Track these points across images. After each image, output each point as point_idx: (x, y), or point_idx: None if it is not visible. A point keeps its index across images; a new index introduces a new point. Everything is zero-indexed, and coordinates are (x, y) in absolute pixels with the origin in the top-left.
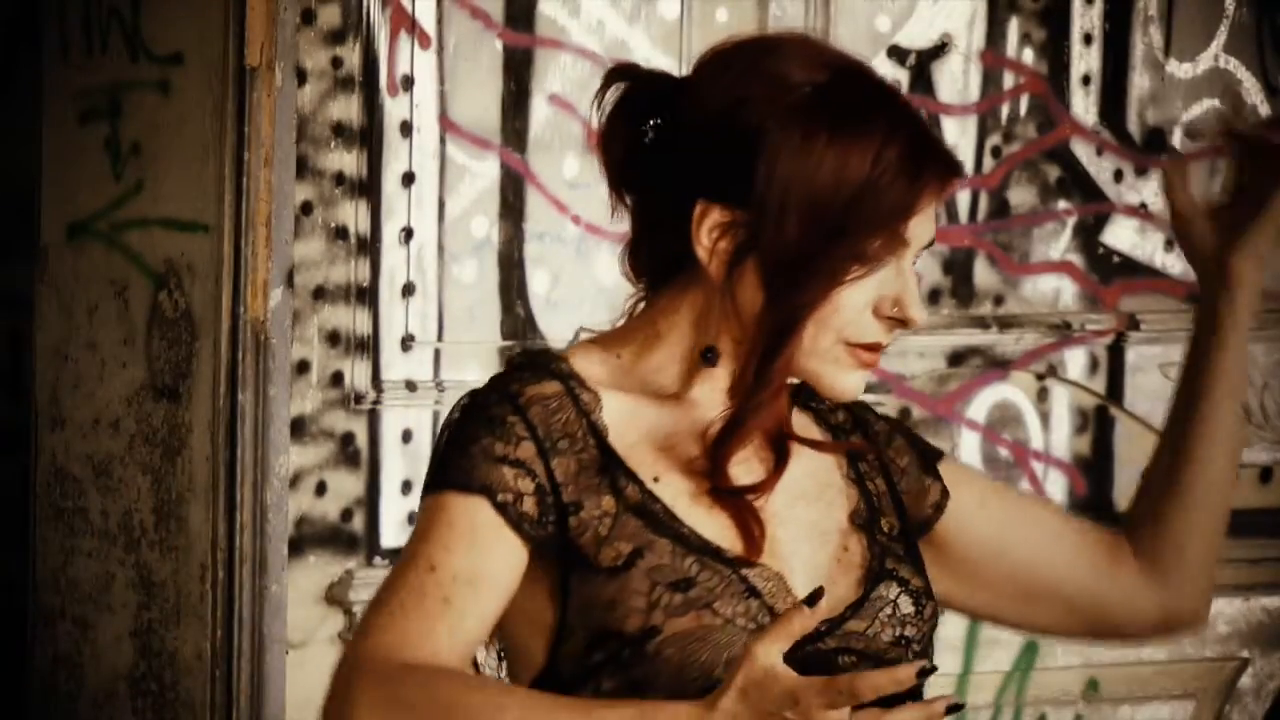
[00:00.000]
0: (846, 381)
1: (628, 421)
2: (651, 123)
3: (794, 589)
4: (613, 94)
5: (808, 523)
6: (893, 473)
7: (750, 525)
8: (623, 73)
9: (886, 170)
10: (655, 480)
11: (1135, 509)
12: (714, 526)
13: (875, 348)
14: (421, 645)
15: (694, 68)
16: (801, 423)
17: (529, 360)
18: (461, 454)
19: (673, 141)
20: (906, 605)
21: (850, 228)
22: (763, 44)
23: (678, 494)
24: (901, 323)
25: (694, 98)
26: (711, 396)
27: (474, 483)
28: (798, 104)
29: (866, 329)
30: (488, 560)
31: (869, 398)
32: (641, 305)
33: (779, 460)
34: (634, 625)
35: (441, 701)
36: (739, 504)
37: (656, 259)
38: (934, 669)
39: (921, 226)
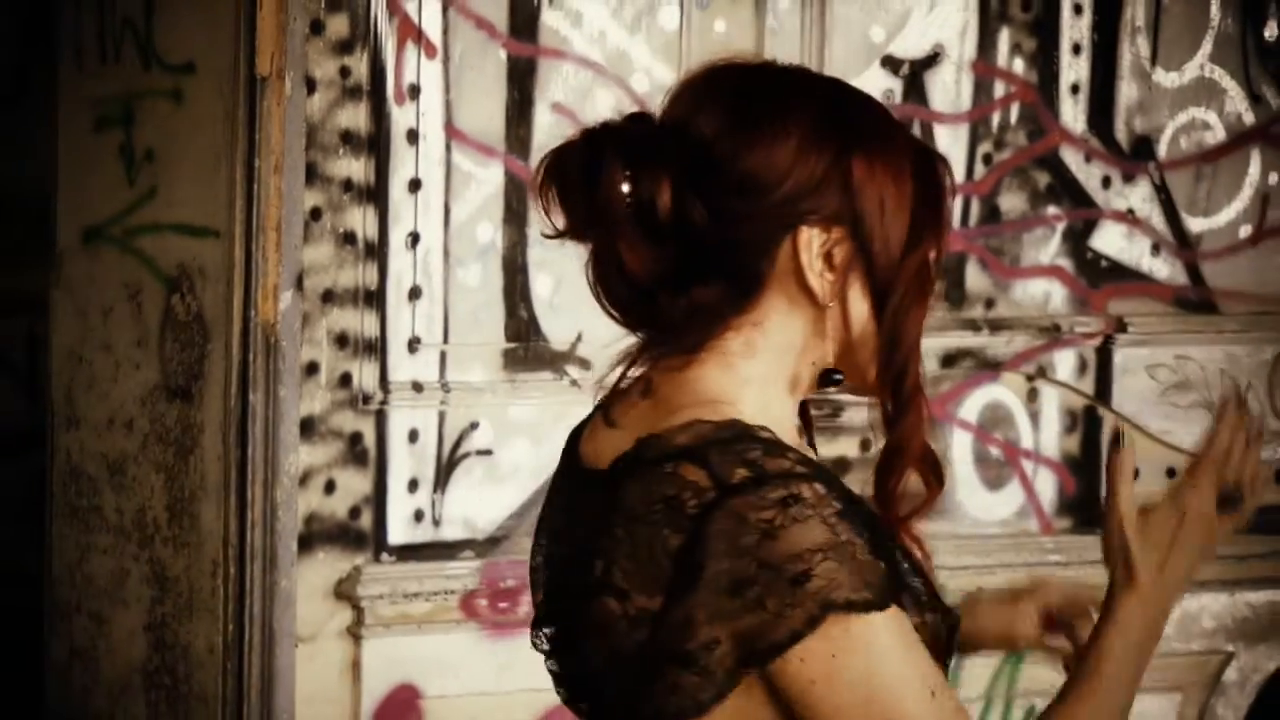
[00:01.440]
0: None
1: None
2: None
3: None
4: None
5: None
6: None
7: (925, 551)
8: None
9: (918, 179)
10: None
11: None
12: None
13: None
14: None
15: (704, 90)
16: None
17: (747, 436)
18: (854, 567)
19: (726, 175)
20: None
21: (929, 224)
22: (749, 69)
23: None
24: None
25: (740, 121)
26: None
27: (885, 599)
28: (824, 119)
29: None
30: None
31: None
32: (660, 356)
33: (938, 477)
34: None
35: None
36: (910, 535)
37: (695, 302)
38: None
39: None
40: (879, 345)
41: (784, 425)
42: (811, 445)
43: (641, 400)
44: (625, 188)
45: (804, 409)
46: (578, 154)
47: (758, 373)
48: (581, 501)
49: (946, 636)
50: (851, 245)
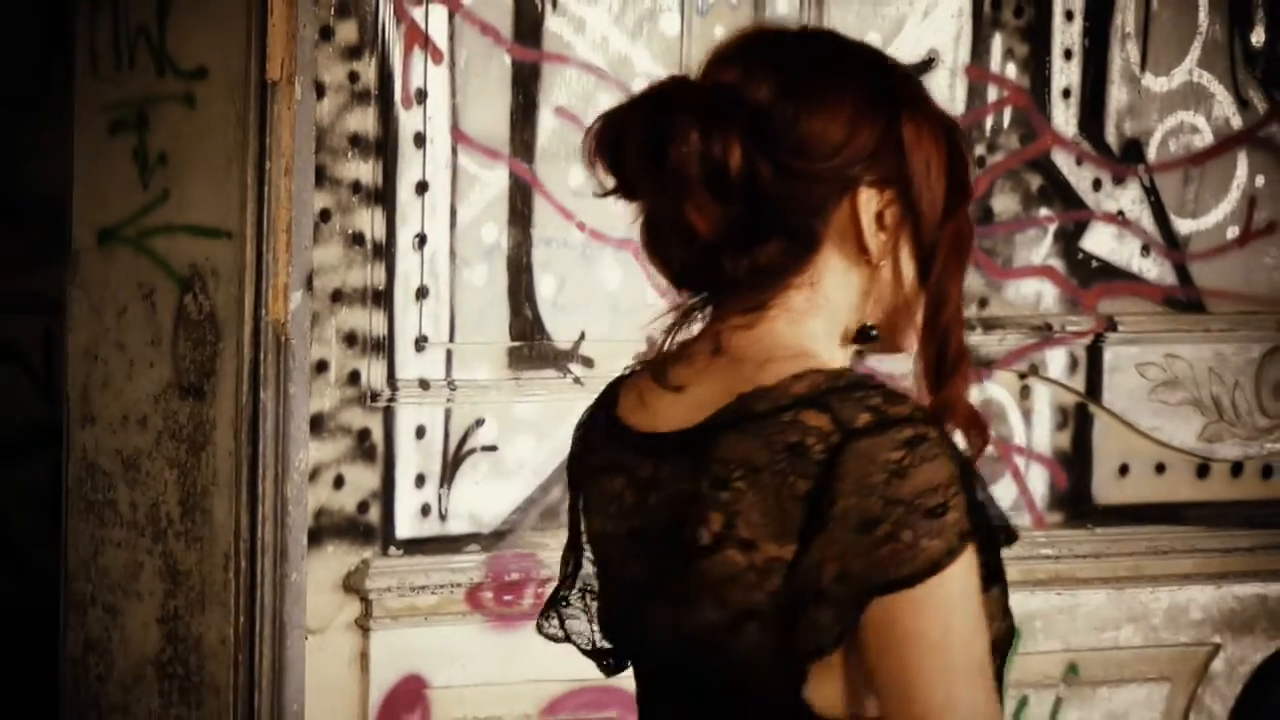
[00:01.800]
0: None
1: None
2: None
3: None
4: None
5: None
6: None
7: None
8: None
9: (951, 142)
10: None
11: None
12: None
13: None
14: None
15: (799, 70)
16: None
17: (863, 383)
18: (966, 504)
19: (803, 148)
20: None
21: (961, 189)
22: (807, 34)
23: None
24: None
25: (811, 113)
26: None
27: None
28: (876, 85)
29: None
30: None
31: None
32: (707, 309)
33: (982, 437)
34: None
35: None
36: None
37: (759, 260)
38: None
39: None
40: (926, 306)
41: None
42: None
43: (712, 358)
44: (695, 147)
45: None
46: (644, 114)
47: (821, 329)
48: (655, 469)
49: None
50: (901, 206)
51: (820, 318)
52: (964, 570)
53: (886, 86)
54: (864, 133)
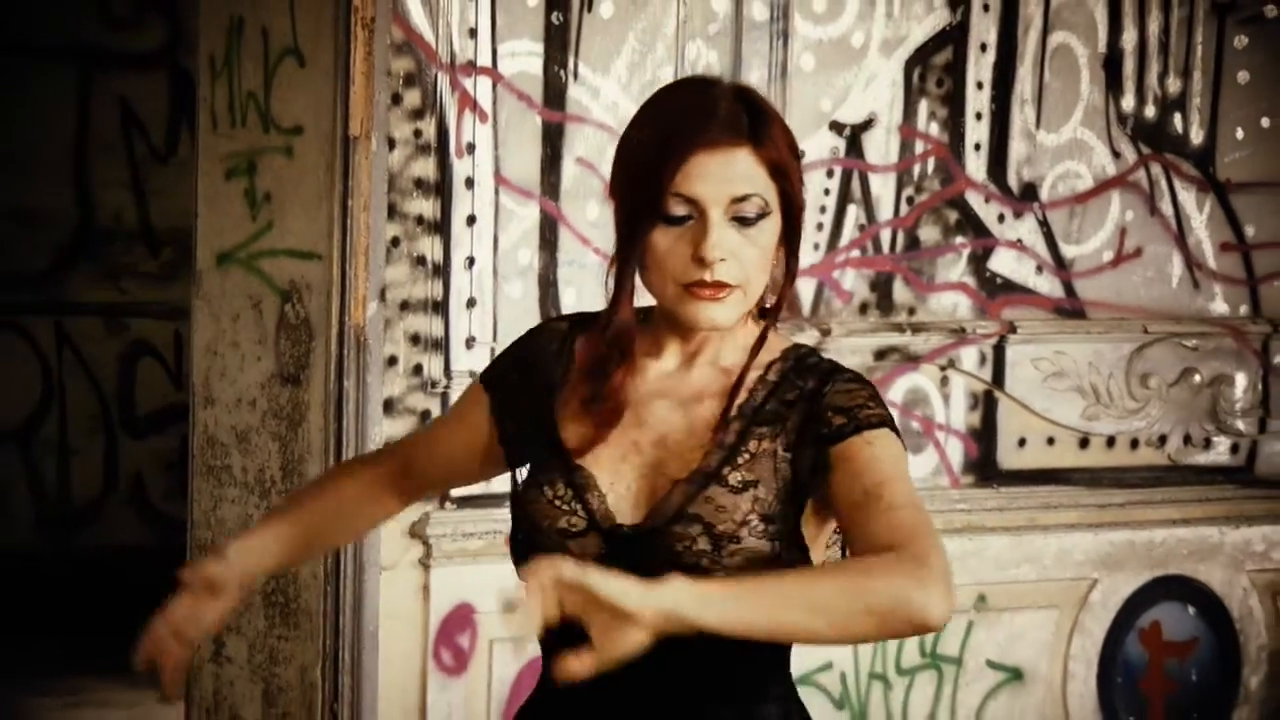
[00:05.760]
0: (700, 314)
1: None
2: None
3: (607, 497)
4: None
5: (648, 460)
6: (788, 436)
7: (594, 416)
8: None
9: (649, 151)
10: (566, 399)
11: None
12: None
13: (702, 285)
14: None
15: None
16: (705, 378)
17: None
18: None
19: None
20: (702, 542)
21: (634, 192)
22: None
23: (573, 409)
24: (703, 262)
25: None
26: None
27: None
28: (635, 116)
29: (689, 272)
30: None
31: None
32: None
33: (623, 354)
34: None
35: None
36: (597, 410)
37: None
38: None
39: (705, 184)
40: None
41: None
42: None
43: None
44: None
45: None
46: None
47: None
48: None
49: None
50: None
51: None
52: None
53: (635, 120)
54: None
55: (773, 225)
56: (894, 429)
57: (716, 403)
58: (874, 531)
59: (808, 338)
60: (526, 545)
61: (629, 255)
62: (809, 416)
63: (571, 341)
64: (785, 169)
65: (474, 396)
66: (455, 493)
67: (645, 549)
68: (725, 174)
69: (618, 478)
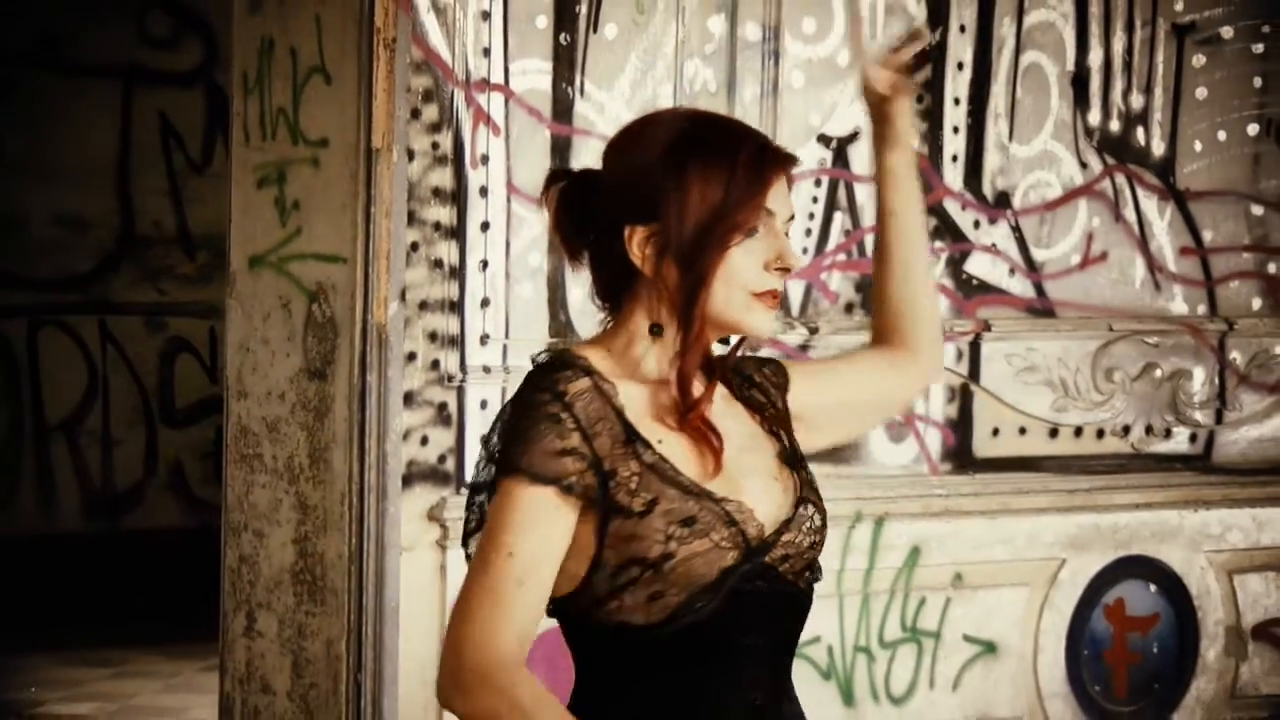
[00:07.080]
0: (760, 322)
1: (635, 401)
2: (583, 202)
3: (756, 513)
4: (554, 193)
5: (752, 465)
6: (776, 402)
7: (711, 443)
8: (557, 176)
9: (740, 172)
10: (659, 443)
11: (875, 321)
12: (699, 472)
13: (774, 294)
14: (502, 630)
15: (602, 156)
16: (722, 393)
17: (560, 361)
18: (529, 449)
19: (600, 204)
20: (817, 519)
21: (724, 211)
22: (639, 121)
23: (673, 451)
24: (786, 270)
25: (608, 173)
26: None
27: (544, 474)
28: (669, 146)
29: (763, 280)
30: (552, 533)
31: None
32: (610, 322)
33: (709, 377)
34: (655, 553)
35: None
36: (702, 433)
37: (611, 286)
38: None
39: (778, 201)
40: (680, 297)
41: (639, 374)
42: None
43: None
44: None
45: None
46: None
47: (630, 334)
48: None
49: (727, 519)
50: (660, 236)
51: (639, 323)
52: (512, 496)
53: (650, 149)
54: (627, 188)
55: None
56: None
57: (729, 403)
58: (853, 355)
59: (797, 336)
60: (673, 609)
61: (704, 278)
62: (762, 392)
63: (602, 388)
64: None
65: (546, 511)
66: (469, 478)
67: (781, 550)
68: (786, 192)
69: (750, 496)
